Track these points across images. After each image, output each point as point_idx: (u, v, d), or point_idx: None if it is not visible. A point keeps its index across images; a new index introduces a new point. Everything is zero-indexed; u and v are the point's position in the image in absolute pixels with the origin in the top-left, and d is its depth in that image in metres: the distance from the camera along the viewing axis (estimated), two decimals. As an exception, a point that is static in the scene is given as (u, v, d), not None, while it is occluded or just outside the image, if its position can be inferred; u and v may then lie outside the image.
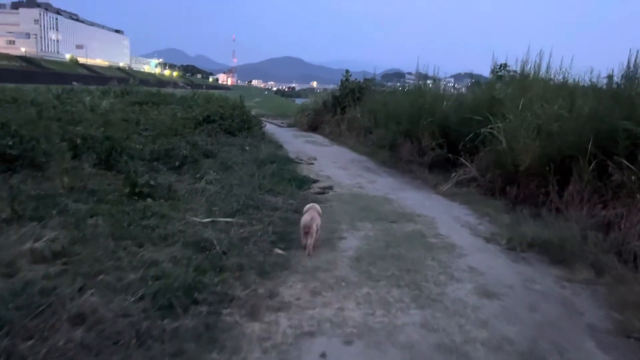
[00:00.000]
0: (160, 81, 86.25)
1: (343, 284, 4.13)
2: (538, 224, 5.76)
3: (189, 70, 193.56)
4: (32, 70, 69.34)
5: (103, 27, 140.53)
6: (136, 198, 6.20)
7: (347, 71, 19.01)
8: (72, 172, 6.97)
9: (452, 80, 18.75)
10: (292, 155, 12.09)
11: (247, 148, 11.92)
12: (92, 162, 7.72)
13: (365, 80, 18.81)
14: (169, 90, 26.20)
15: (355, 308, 3.67)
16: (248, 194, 6.68)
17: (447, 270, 4.54)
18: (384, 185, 8.69)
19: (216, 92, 30.44)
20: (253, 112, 31.93)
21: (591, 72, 7.83)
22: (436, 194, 8.05)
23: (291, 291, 3.94)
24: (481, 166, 8.30)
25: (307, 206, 5.34)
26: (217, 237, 4.78)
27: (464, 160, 8.65)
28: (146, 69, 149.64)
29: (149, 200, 6.15)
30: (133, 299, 3.51)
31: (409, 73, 15.69)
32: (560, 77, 8.25)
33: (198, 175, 7.93)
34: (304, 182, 8.37)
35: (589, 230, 5.11)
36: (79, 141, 8.14)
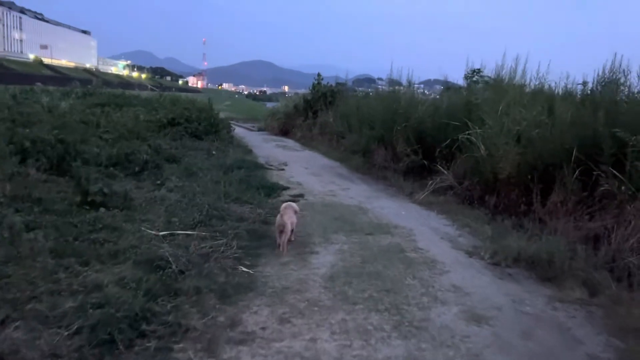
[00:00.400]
0: (128, 83, 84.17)
1: (315, 308, 3.65)
2: (521, 236, 5.43)
3: (158, 72, 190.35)
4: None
5: (69, 27, 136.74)
6: (87, 208, 5.60)
7: (319, 74, 18.60)
8: (16, 178, 6.31)
9: (422, 86, 18.58)
10: (261, 161, 11.57)
11: (214, 152, 11.35)
12: (42, 167, 7.06)
13: (338, 84, 18.48)
14: (135, 92, 25.24)
15: (330, 339, 3.20)
16: (212, 203, 6.13)
17: (430, 290, 4.13)
18: (358, 193, 8.28)
19: (183, 94, 29.58)
20: (222, 115, 31.39)
21: (567, 78, 7.65)
22: (412, 203, 7.68)
23: (256, 318, 3.44)
24: (458, 174, 7.99)
25: (284, 205, 5.29)
26: (173, 253, 4.23)
27: (440, 168, 8.32)
28: (114, 70, 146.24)
29: (101, 210, 5.55)
30: (67, 333, 2.95)
31: (380, 79, 15.40)
32: (536, 82, 8.04)
33: (159, 182, 7.36)
34: (273, 190, 7.88)
35: (577, 244, 4.79)
36: (27, 144, 7.45)
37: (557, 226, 5.43)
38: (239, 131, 22.45)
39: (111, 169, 7.91)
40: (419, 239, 5.62)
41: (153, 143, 9.68)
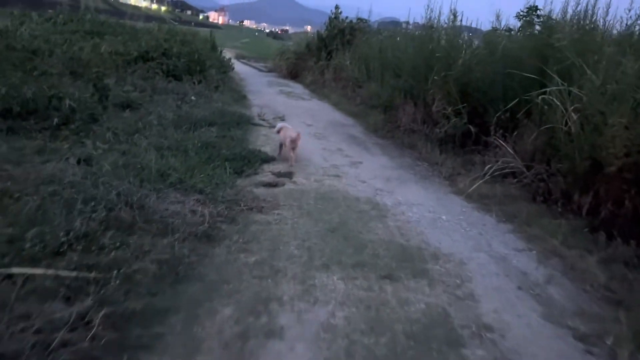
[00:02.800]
0: (144, 15, 79.97)
1: None
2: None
3: (178, 5, 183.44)
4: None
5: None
6: None
7: (336, 7, 15.43)
8: None
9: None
10: (253, 112, 8.97)
11: (192, 98, 8.77)
12: None
13: (359, 19, 15.29)
14: (138, 23, 22.12)
15: None
16: (127, 191, 3.64)
17: None
18: (373, 172, 5.69)
19: (192, 28, 26.50)
20: (233, 53, 28.40)
21: None
22: (455, 195, 5.08)
23: None
24: (526, 153, 5.33)
25: (279, 125, 5.93)
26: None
27: (498, 141, 5.65)
28: (132, 1, 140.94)
29: None
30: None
31: (407, 22, 12.32)
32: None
33: (68, 146, 4.88)
34: (248, 163, 5.34)
35: None
36: None
37: None
38: (247, 71, 19.72)
39: (19, 120, 5.51)
40: (479, 290, 3.06)
41: (100, 83, 7.08)
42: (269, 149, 6.15)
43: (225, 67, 14.21)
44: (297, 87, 14.31)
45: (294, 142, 5.50)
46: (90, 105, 6.33)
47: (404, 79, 8.20)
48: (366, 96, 10.24)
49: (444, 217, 4.33)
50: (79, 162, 4.39)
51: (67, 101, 5.81)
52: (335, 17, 15.30)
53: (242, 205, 4.07)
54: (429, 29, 8.49)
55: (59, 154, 4.63)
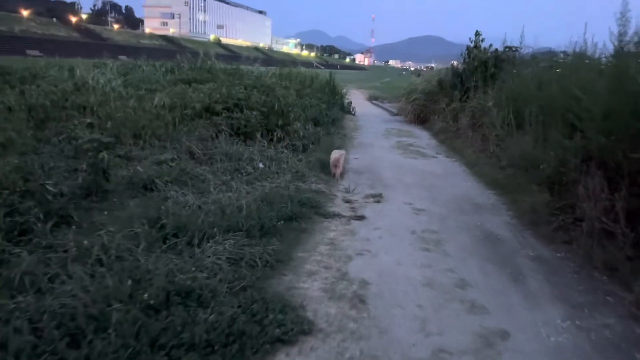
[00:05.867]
0: (294, 61, 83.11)
1: None
2: None
3: (327, 50, 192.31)
4: (170, 48, 70.84)
5: (247, 7, 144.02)
6: None
7: (477, 33, 12.01)
8: None
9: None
10: (341, 184, 6.19)
11: (260, 166, 6.34)
12: None
13: (506, 48, 11.55)
14: (252, 67, 21.20)
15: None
16: None
17: None
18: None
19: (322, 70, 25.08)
20: (366, 95, 26.21)
21: None
22: None
23: None
24: None
25: (334, 152, 6.86)
26: None
27: None
28: (284, 49, 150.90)
29: None
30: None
31: (564, 52, 8.47)
32: None
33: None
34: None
35: None
36: None
37: None
38: (372, 113, 17.19)
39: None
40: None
41: (94, 159, 4.87)
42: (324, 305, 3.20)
43: (333, 117, 11.73)
44: (421, 137, 11.17)
45: (335, 161, 6.65)
46: (62, 201, 4.12)
47: (587, 133, 4.69)
48: (516, 154, 6.76)
49: None
50: None
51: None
52: (475, 47, 11.91)
53: None
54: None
55: None
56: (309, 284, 3.34)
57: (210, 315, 2.73)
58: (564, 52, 9.04)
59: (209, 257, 3.43)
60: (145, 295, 2.77)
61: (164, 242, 3.67)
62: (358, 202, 5.45)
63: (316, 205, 5.05)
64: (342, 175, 6.68)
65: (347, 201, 5.46)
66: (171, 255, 3.44)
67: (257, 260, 3.49)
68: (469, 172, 7.43)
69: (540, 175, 5.51)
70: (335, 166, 6.60)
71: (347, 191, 5.87)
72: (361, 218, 4.89)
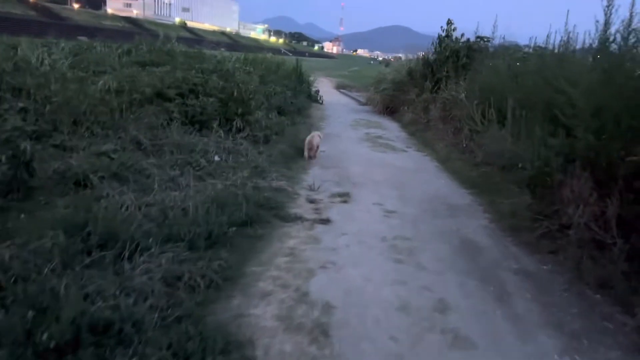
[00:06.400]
0: (260, 47, 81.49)
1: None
2: None
3: (295, 37, 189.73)
4: (133, 30, 68.02)
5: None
6: None
7: (449, 21, 11.58)
8: None
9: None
10: (305, 180, 5.63)
11: (216, 159, 5.72)
12: None
13: (478, 38, 11.16)
14: (215, 52, 20.17)
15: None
16: None
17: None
18: None
19: (283, 57, 24.21)
20: (334, 83, 25.68)
21: None
22: None
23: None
24: None
25: (311, 134, 6.87)
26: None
27: None
28: (252, 35, 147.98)
29: None
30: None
31: (527, 46, 8.17)
32: None
33: None
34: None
35: None
36: None
37: None
38: (339, 102, 16.63)
39: None
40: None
41: (17, 150, 4.14)
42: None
43: (300, 105, 11.10)
44: (391, 128, 10.70)
45: (310, 143, 6.77)
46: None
47: (575, 131, 4.26)
48: (492, 150, 6.36)
49: None
50: None
51: None
52: (447, 36, 11.47)
53: None
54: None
55: None
56: (261, 309, 2.78)
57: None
58: (527, 45, 8.73)
59: (141, 276, 2.82)
60: (45, 336, 2.15)
61: (89, 255, 3.04)
62: (323, 202, 4.90)
63: (276, 206, 4.47)
64: (314, 155, 6.80)
65: (312, 201, 4.90)
66: (94, 272, 2.82)
67: (199, 279, 2.90)
68: (441, 168, 6.99)
69: (520, 175, 5.10)
70: (310, 149, 6.68)
71: (312, 189, 5.31)
72: (326, 222, 4.34)
